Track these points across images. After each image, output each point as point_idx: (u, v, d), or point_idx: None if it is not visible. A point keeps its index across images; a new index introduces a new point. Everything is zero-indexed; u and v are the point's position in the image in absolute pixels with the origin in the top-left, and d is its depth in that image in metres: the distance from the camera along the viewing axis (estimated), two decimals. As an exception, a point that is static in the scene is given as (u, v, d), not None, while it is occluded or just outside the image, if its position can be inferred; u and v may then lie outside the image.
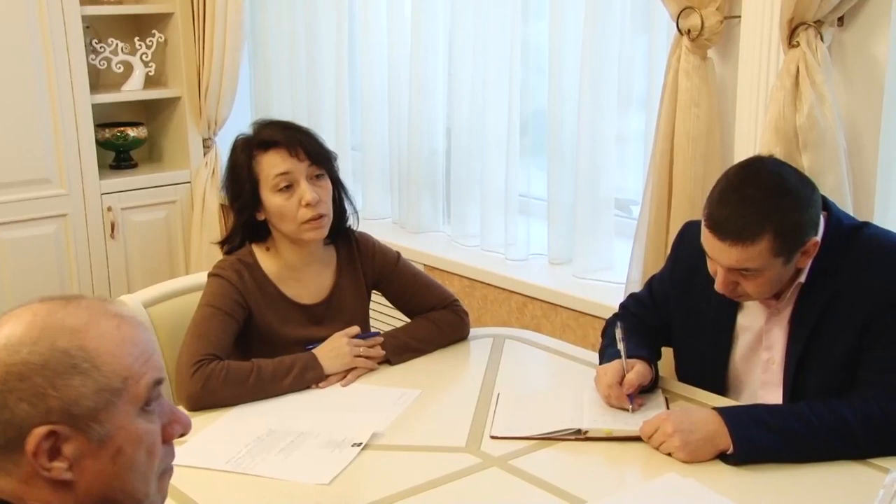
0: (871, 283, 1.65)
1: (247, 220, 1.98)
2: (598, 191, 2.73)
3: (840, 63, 2.08)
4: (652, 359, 1.84)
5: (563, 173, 2.82)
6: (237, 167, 1.96)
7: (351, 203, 2.07)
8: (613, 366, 1.78)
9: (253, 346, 1.97)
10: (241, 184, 1.95)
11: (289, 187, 1.92)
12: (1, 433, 0.97)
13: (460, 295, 2.36)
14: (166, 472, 1.08)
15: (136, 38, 3.75)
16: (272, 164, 1.93)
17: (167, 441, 1.07)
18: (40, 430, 0.96)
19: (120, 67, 3.71)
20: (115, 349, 1.01)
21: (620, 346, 1.79)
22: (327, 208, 1.96)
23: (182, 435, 1.09)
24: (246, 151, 1.95)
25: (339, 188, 2.02)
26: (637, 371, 1.76)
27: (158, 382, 1.05)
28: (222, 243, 2.05)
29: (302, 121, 3.55)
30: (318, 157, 1.95)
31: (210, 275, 1.99)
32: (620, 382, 1.75)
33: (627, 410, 1.74)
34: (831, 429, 1.59)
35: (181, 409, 1.83)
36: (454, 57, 3.10)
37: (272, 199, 1.93)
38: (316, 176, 1.95)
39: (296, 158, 1.92)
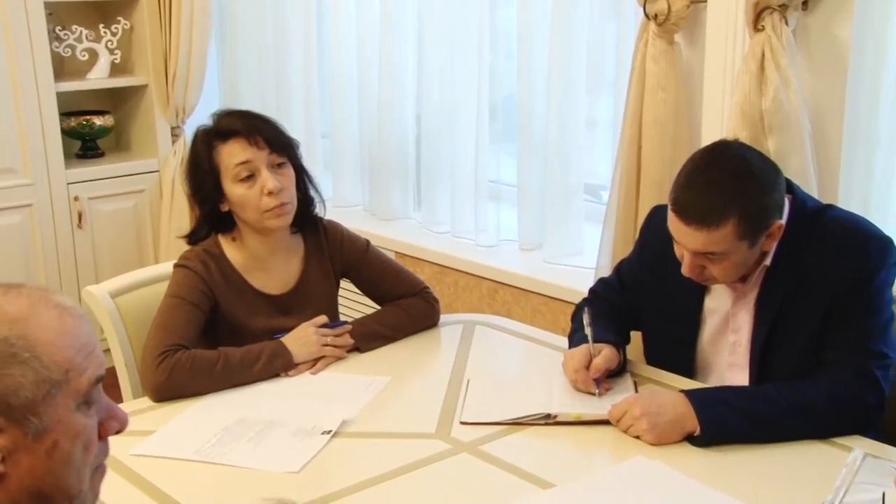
0: (835, 265, 1.67)
1: (210, 212, 1.97)
2: (568, 176, 2.74)
3: (804, 46, 2.10)
4: (619, 343, 1.85)
5: (533, 159, 2.82)
6: (198, 159, 1.94)
7: (316, 190, 2.05)
8: (580, 350, 1.79)
9: (220, 337, 1.96)
10: (202, 175, 1.93)
11: (250, 177, 1.91)
12: None
13: (431, 281, 2.36)
14: (99, 469, 1.05)
15: (101, 25, 3.70)
16: (232, 154, 1.91)
17: (103, 437, 1.04)
18: None
19: (84, 55, 3.66)
20: (56, 340, 0.98)
21: (588, 330, 1.80)
22: (290, 196, 1.94)
23: (119, 431, 1.06)
24: (205, 142, 1.93)
25: (302, 175, 2.01)
26: (604, 355, 1.77)
27: (100, 379, 1.02)
28: (188, 237, 2.03)
29: (271, 108, 3.57)
30: (279, 145, 1.94)
31: (176, 266, 1.98)
32: (588, 367, 1.76)
33: (594, 394, 1.75)
34: (797, 409, 1.61)
35: (148, 400, 1.82)
36: (423, 43, 3.10)
37: (234, 189, 1.92)
38: (277, 164, 1.93)
39: (255, 147, 1.91)
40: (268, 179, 1.90)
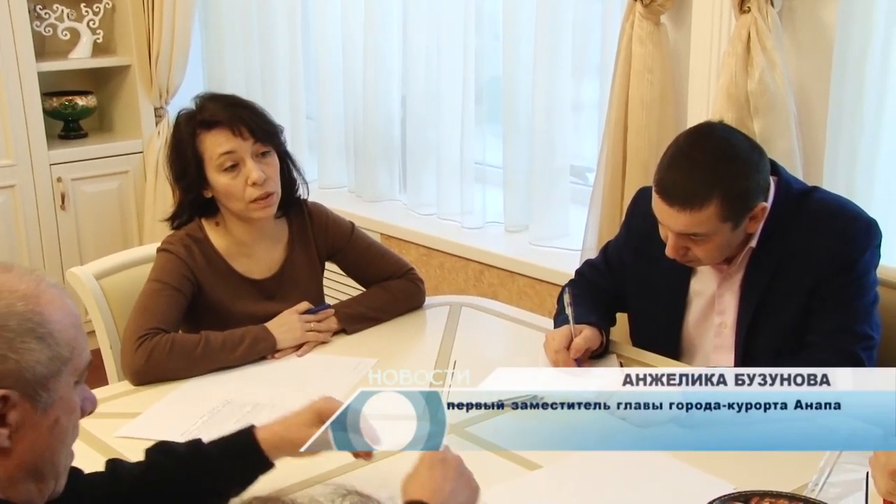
0: (819, 246, 1.68)
1: (194, 199, 1.95)
2: (554, 158, 2.74)
3: (790, 29, 2.10)
4: (602, 324, 1.85)
5: (519, 141, 2.82)
6: (181, 145, 1.92)
7: (300, 174, 2.04)
8: (561, 331, 1.79)
9: (204, 322, 1.95)
10: (185, 162, 1.92)
11: (234, 166, 1.89)
12: None
13: (417, 264, 2.36)
14: (71, 452, 1.07)
15: (83, 4, 3.65)
16: (216, 144, 1.89)
17: (81, 417, 1.06)
18: None
19: (66, 34, 3.62)
20: (63, 318, 1.00)
21: (568, 311, 1.80)
22: (275, 185, 1.93)
23: (90, 412, 1.08)
24: (188, 130, 1.91)
25: (286, 160, 2.00)
26: (584, 336, 1.77)
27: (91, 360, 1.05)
28: (170, 220, 2.02)
29: (255, 89, 3.55)
30: (263, 135, 1.92)
31: (159, 250, 1.97)
32: (568, 347, 1.76)
33: (574, 375, 1.75)
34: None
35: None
36: (408, 24, 3.08)
37: (218, 179, 1.90)
38: (262, 153, 1.92)
39: (240, 137, 1.89)
40: (252, 170, 1.89)
